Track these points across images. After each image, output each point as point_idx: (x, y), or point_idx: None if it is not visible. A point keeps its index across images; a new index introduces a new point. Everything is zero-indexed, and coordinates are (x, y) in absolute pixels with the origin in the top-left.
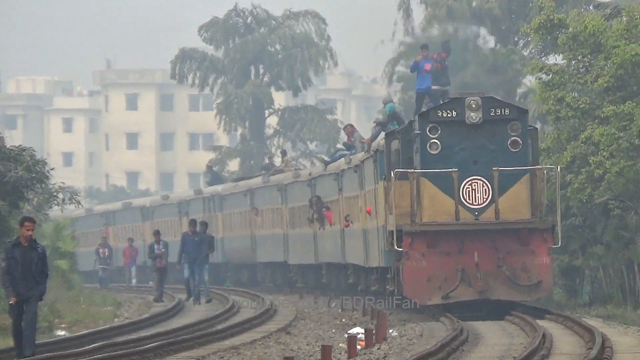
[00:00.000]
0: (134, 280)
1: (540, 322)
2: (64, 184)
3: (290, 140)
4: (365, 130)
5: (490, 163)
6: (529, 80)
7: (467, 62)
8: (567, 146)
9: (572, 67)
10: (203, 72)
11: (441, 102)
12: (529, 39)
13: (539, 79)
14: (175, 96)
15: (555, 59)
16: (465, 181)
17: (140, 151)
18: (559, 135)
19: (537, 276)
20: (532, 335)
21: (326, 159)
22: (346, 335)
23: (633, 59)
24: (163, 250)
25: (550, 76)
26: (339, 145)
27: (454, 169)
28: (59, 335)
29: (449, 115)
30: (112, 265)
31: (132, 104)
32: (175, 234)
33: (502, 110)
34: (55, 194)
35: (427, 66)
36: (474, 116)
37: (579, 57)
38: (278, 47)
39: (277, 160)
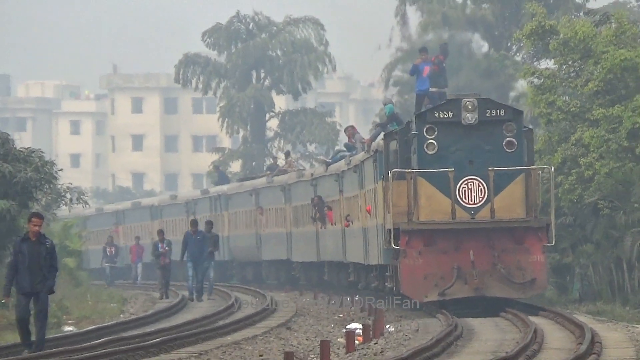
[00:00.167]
0: (139, 278)
1: (532, 318)
2: (71, 184)
3: (290, 143)
4: (363, 133)
5: (485, 163)
6: (521, 85)
7: (461, 67)
8: (558, 148)
9: (563, 72)
10: (206, 76)
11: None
12: (522, 44)
13: (531, 83)
14: (179, 99)
15: (547, 64)
16: (462, 181)
17: (146, 153)
18: (550, 138)
19: (531, 274)
20: (524, 331)
21: (327, 160)
22: (344, 331)
23: (622, 64)
24: (167, 248)
25: (542, 80)
26: (339, 147)
27: (450, 169)
28: (66, 331)
29: (445, 116)
30: (119, 263)
31: (137, 107)
32: (183, 232)
33: (498, 111)
34: (63, 194)
35: (426, 70)
36: (470, 117)
37: (570, 62)
38: (279, 52)
39: (281, 162)
